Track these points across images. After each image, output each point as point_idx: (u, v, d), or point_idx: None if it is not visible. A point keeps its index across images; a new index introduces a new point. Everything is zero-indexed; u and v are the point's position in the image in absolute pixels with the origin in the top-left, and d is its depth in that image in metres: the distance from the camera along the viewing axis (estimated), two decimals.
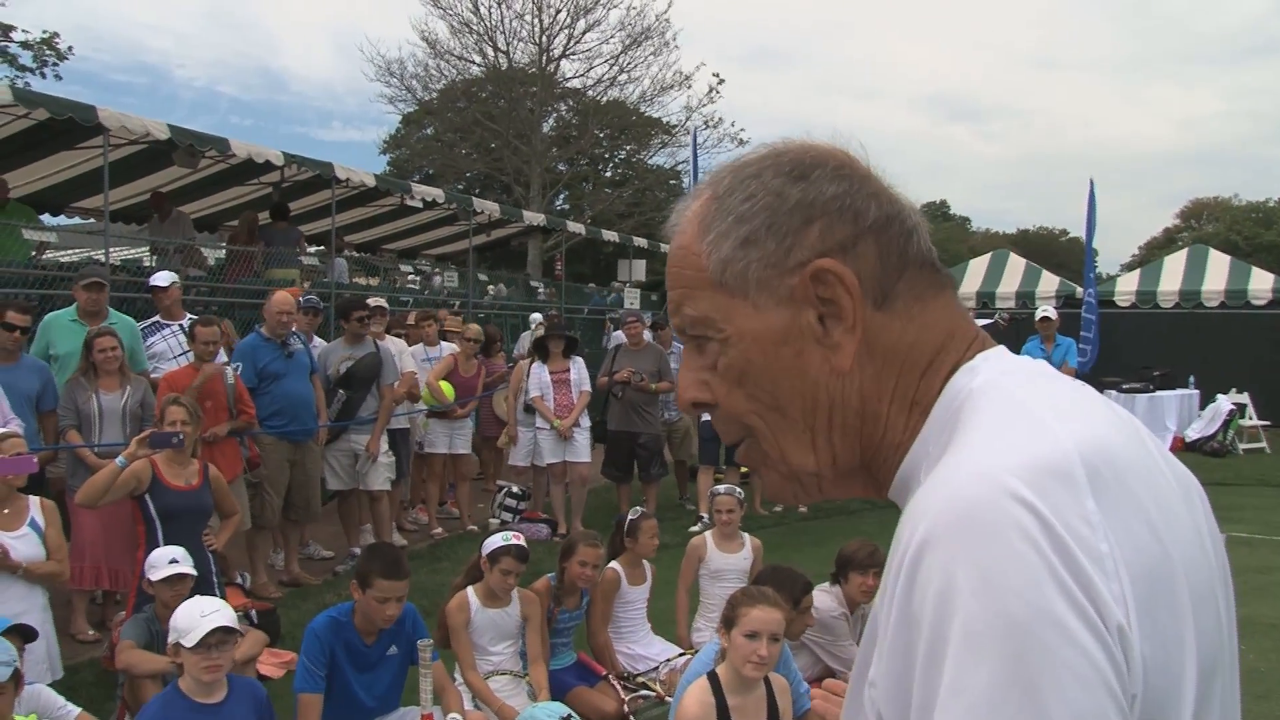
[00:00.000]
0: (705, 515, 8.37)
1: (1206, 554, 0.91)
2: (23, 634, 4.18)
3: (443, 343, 10.01)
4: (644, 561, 6.04)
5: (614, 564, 5.94)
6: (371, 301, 8.82)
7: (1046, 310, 11.98)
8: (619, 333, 13.76)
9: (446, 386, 9.13)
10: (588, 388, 9.48)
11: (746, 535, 6.31)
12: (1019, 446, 0.84)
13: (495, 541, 5.22)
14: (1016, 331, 14.58)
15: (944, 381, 0.97)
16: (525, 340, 12.76)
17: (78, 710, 4.28)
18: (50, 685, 4.49)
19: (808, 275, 0.96)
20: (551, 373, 9.36)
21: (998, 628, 0.76)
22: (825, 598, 5.26)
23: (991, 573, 0.77)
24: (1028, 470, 0.81)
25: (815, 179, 0.98)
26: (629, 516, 6.13)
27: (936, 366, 0.98)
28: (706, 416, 7.38)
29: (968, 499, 0.81)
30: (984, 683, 0.76)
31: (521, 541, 5.27)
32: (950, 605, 0.78)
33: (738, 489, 6.43)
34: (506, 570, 5.11)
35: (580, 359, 9.70)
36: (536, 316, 13.72)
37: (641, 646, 5.91)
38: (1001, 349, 1.01)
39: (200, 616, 3.91)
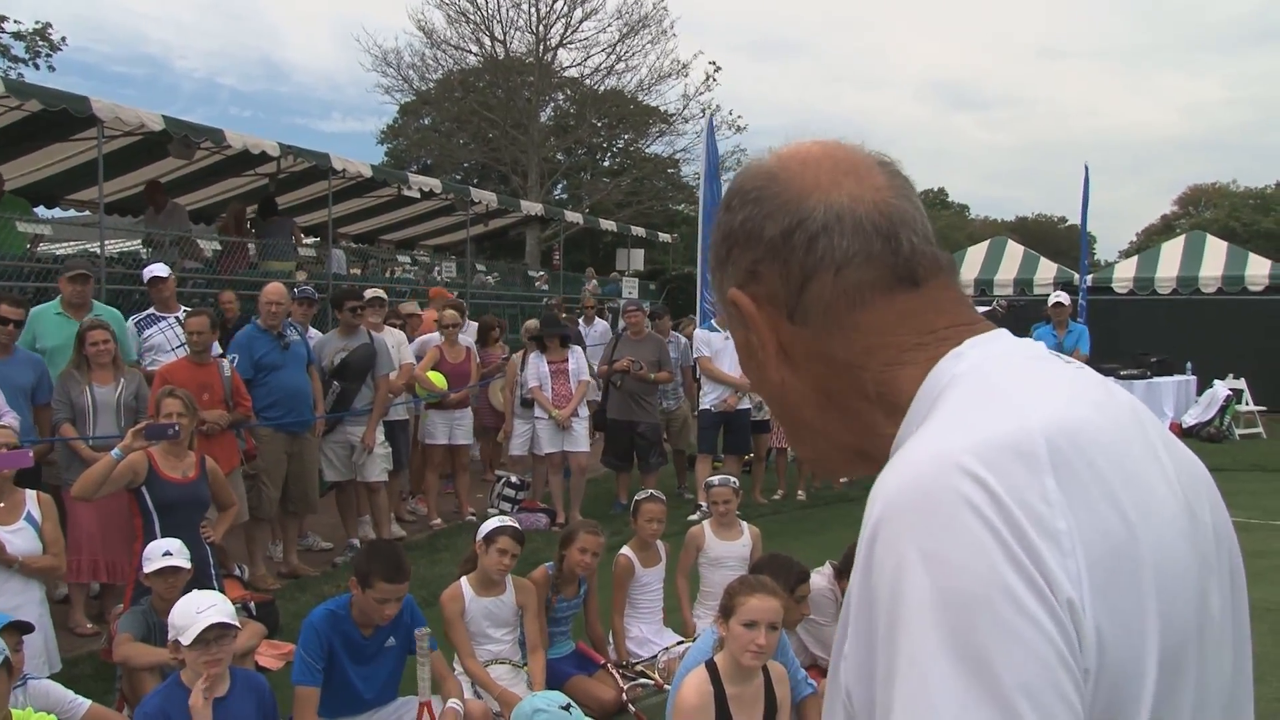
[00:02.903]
0: (704, 504, 8.38)
1: (1190, 539, 0.90)
2: (19, 629, 4.17)
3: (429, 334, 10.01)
4: (656, 543, 6.05)
5: (625, 550, 5.96)
6: (369, 292, 8.80)
7: (1059, 296, 11.81)
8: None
9: (436, 376, 9.11)
10: (586, 377, 9.47)
11: (745, 523, 6.32)
12: (980, 426, 0.86)
13: (491, 524, 5.26)
14: (1014, 318, 14.56)
15: (921, 373, 0.97)
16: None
17: (89, 703, 4.28)
18: (49, 678, 4.49)
19: (730, 304, 1.06)
20: (550, 363, 9.36)
21: (946, 600, 0.78)
22: (819, 579, 5.26)
23: (940, 548, 0.79)
24: (984, 448, 0.83)
25: (734, 208, 1.06)
26: (637, 497, 6.15)
27: (888, 363, 0.98)
28: (704, 405, 7.40)
29: (919, 477, 0.84)
30: (934, 654, 0.77)
31: (517, 525, 5.31)
32: (902, 582, 0.80)
33: (733, 479, 6.43)
34: (503, 550, 5.11)
35: (579, 348, 9.69)
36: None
37: (652, 632, 5.92)
38: (999, 332, 1.00)
39: (196, 613, 3.88)
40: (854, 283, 0.99)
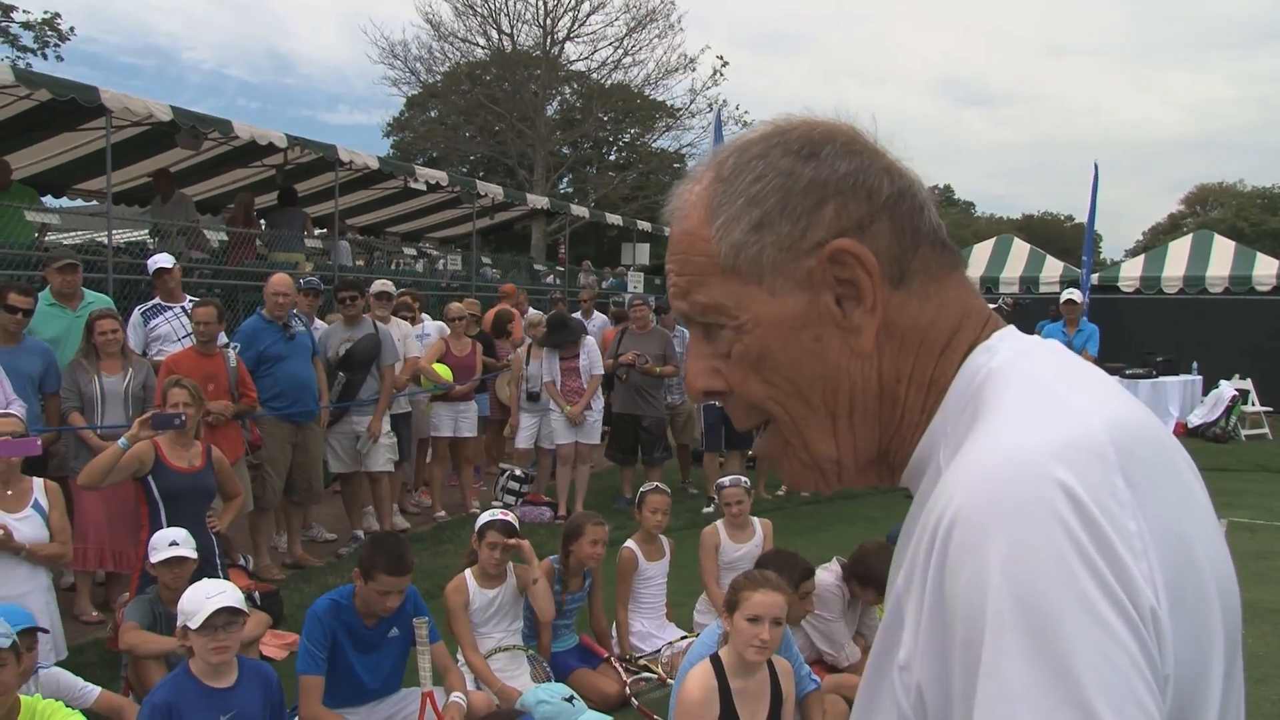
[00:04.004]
0: (715, 496, 8.40)
1: (1222, 538, 0.89)
2: (33, 631, 4.16)
3: (427, 323, 10.02)
4: (660, 537, 6.06)
5: (629, 544, 5.98)
6: (376, 285, 8.81)
7: (1071, 293, 11.75)
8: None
9: (441, 368, 9.12)
10: (599, 372, 9.48)
11: (755, 519, 6.31)
12: (1050, 424, 0.83)
13: (483, 518, 5.29)
14: (1020, 316, 14.53)
15: (961, 361, 0.96)
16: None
17: (98, 690, 4.29)
18: (55, 665, 4.51)
19: (825, 257, 0.93)
20: (561, 359, 9.38)
21: (1028, 610, 0.75)
22: (825, 575, 5.26)
23: (1021, 554, 0.77)
24: (1061, 447, 0.80)
25: (826, 157, 0.96)
26: (642, 489, 6.14)
27: (954, 345, 0.97)
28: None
29: (999, 477, 0.80)
30: (1017, 666, 0.75)
31: (509, 517, 5.32)
32: (983, 588, 0.78)
33: (744, 479, 6.38)
34: (493, 544, 5.13)
35: (591, 339, 9.71)
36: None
37: (655, 626, 5.94)
38: (1014, 329, 1.00)
39: (206, 599, 3.91)
40: (944, 258, 0.98)
